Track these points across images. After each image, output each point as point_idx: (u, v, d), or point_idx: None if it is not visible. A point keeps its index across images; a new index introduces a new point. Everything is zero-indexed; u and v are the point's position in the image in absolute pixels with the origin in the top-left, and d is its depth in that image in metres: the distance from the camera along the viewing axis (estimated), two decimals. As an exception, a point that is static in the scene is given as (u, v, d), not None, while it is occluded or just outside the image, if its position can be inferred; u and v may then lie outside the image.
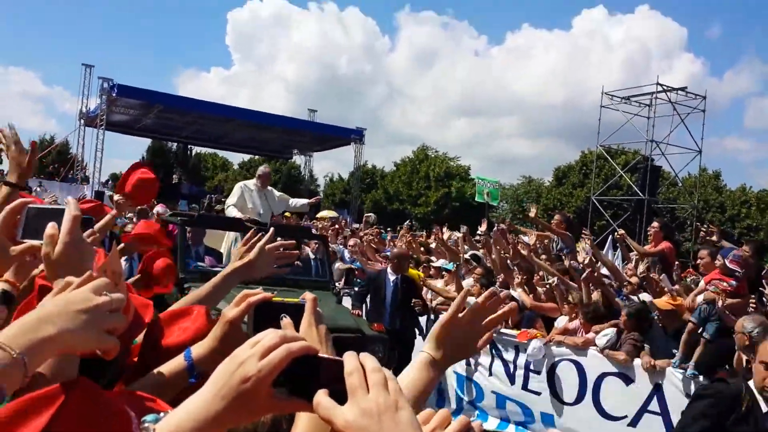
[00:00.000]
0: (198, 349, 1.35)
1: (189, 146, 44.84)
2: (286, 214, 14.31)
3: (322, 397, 0.80)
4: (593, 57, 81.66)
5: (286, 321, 1.12)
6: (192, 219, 7.47)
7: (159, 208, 10.33)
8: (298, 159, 42.13)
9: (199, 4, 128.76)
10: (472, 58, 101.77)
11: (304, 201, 9.49)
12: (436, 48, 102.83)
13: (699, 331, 5.48)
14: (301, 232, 9.87)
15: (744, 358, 4.91)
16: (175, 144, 44.54)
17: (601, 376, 6.05)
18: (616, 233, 5.61)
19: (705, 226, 7.38)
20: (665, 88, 27.78)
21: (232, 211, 8.28)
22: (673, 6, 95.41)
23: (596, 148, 32.20)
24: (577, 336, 6.36)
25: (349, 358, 0.83)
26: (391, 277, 7.58)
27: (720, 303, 5.29)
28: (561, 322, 6.68)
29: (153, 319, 1.45)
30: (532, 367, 6.63)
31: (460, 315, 1.36)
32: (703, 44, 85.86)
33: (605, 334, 6.06)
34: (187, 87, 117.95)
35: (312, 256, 8.99)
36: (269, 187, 8.96)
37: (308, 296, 1.23)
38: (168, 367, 1.33)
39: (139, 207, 11.47)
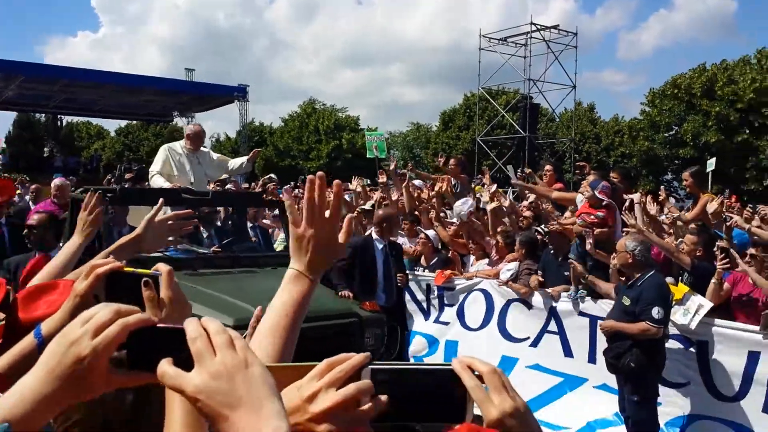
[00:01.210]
0: (49, 325, 1.28)
1: (59, 116, 41.89)
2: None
3: (166, 366, 0.76)
4: (472, 0, 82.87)
5: (148, 293, 1.08)
6: (114, 194, 6.24)
7: (57, 181, 8.54)
8: (180, 121, 40.42)
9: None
10: (355, 5, 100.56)
11: (243, 159, 7.76)
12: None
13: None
14: (251, 200, 8.17)
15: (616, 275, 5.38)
16: (44, 115, 41.52)
17: (507, 303, 6.41)
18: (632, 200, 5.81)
19: (580, 163, 7.85)
20: (539, 27, 28.70)
21: (157, 180, 6.98)
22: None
23: (478, 91, 33.00)
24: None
25: (190, 324, 0.79)
26: (379, 245, 6.43)
27: (589, 241, 5.67)
28: (471, 262, 7.04)
29: (9, 297, 1.40)
30: (445, 300, 6.93)
31: (300, 218, 1.28)
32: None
33: (509, 268, 6.39)
34: (54, 55, 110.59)
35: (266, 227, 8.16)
36: (203, 148, 7.58)
37: (163, 267, 1.17)
38: (19, 347, 1.26)
39: (35, 185, 10.68)
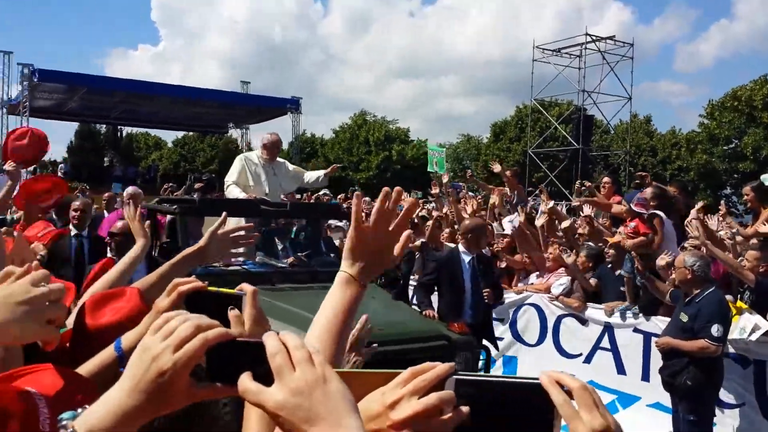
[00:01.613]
0: (129, 339, 1.31)
1: (119, 127, 43.33)
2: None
3: (247, 382, 0.78)
4: (525, 12, 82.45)
5: (233, 313, 1.10)
6: (192, 206, 5.95)
7: (130, 190, 8.26)
8: (235, 133, 41.25)
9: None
10: (408, 19, 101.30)
11: (320, 173, 7.44)
12: (370, 11, 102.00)
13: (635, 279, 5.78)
14: (325, 211, 7.79)
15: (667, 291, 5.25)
16: (104, 126, 43.00)
17: (559, 318, 6.34)
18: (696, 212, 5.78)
19: (640, 173, 7.70)
20: (594, 38, 28.30)
21: (233, 191, 6.75)
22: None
23: (531, 102, 32.67)
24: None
25: (270, 339, 0.80)
26: (466, 258, 5.83)
27: (628, 245, 5.59)
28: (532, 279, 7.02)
29: (80, 303, 1.43)
30: (494, 315, 6.89)
31: (365, 224, 1.30)
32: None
33: (561, 283, 6.33)
34: (114, 67, 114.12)
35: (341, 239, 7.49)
36: (279, 159, 7.24)
37: (247, 287, 1.19)
38: (99, 359, 1.29)
39: (108, 194, 10.88)
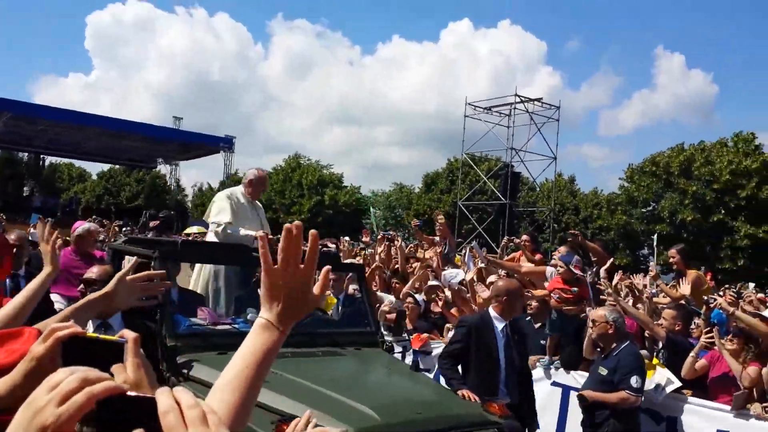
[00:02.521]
0: (0, 385, 1.22)
1: (42, 156, 41.76)
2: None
3: None
4: (461, 69, 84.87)
5: (117, 367, 1.04)
6: (173, 249, 4.94)
7: (85, 226, 6.58)
8: (164, 168, 40.44)
9: (55, 6, 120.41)
10: (347, 67, 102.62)
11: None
12: (311, 56, 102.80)
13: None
14: (326, 260, 6.32)
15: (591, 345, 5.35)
16: (26, 154, 41.35)
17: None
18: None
19: (572, 232, 7.87)
20: (523, 99, 29.49)
21: (236, 234, 5.68)
22: (533, 22, 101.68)
23: (461, 156, 33.53)
24: None
25: (162, 396, 0.77)
26: (499, 325, 4.93)
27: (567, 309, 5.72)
28: None
29: None
30: (421, 365, 6.72)
31: (274, 266, 1.25)
32: (562, 58, 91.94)
33: None
34: (44, 94, 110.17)
35: (345, 295, 6.60)
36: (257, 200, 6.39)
37: (128, 334, 1.13)
38: None
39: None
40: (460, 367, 4.91)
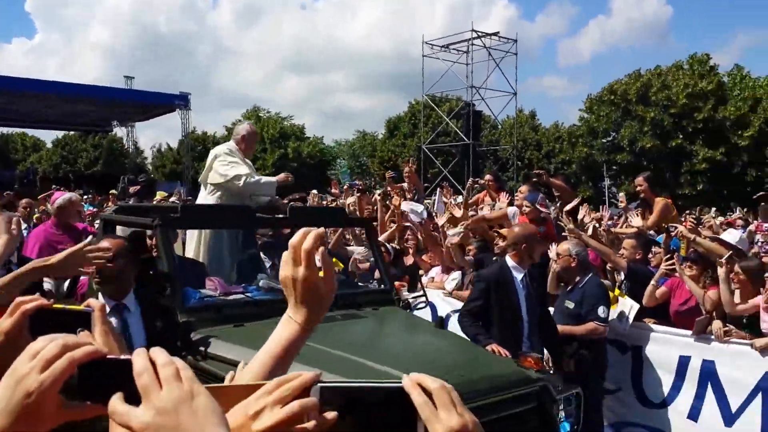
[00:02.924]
0: None
1: (-9, 127, 40.39)
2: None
3: (116, 403, 0.77)
4: (416, 6, 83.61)
5: (83, 334, 1.06)
6: (175, 215, 4.35)
7: (67, 197, 6.06)
8: (120, 131, 39.43)
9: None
10: (299, 11, 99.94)
11: (272, 179, 5.93)
12: (261, 2, 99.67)
13: None
14: (333, 217, 5.82)
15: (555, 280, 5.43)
16: (-26, 126, 39.97)
17: (449, 315, 6.39)
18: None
19: (537, 171, 7.74)
20: (479, 34, 29.20)
21: (251, 184, 5.40)
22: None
23: (422, 98, 33.29)
24: None
25: (138, 357, 0.79)
26: (518, 275, 4.69)
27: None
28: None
29: None
30: None
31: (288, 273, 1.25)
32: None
33: (453, 278, 6.28)
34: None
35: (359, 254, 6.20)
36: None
37: (94, 303, 1.15)
38: None
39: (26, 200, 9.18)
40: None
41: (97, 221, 5.66)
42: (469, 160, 27.67)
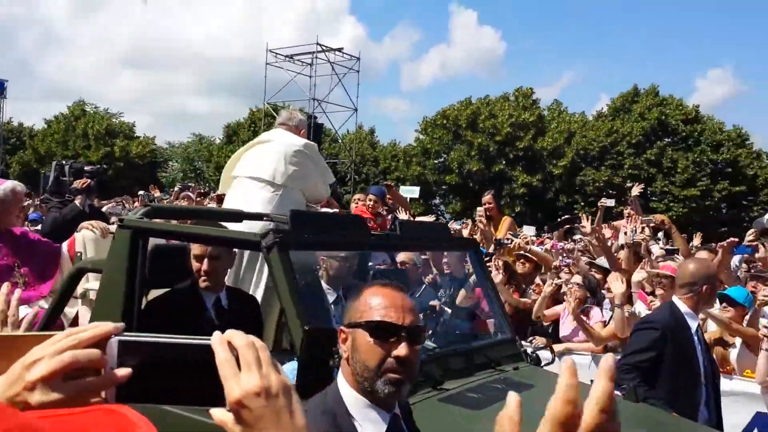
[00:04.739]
0: None
1: None
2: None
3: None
4: (267, 14, 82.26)
5: None
6: (288, 231, 2.72)
7: (13, 184, 4.02)
8: None
9: None
10: (142, 5, 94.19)
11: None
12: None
13: None
14: (439, 235, 4.09)
15: None
16: None
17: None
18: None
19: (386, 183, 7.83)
20: (324, 48, 29.53)
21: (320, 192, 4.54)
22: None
23: (264, 106, 32.97)
24: None
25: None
26: (693, 324, 3.70)
27: None
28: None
29: None
30: None
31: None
32: (366, 9, 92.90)
33: None
34: None
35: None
36: None
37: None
38: None
39: None
40: None
41: (111, 228, 3.73)
42: (308, 171, 27.75)
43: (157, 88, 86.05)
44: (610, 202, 7.08)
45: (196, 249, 3.05)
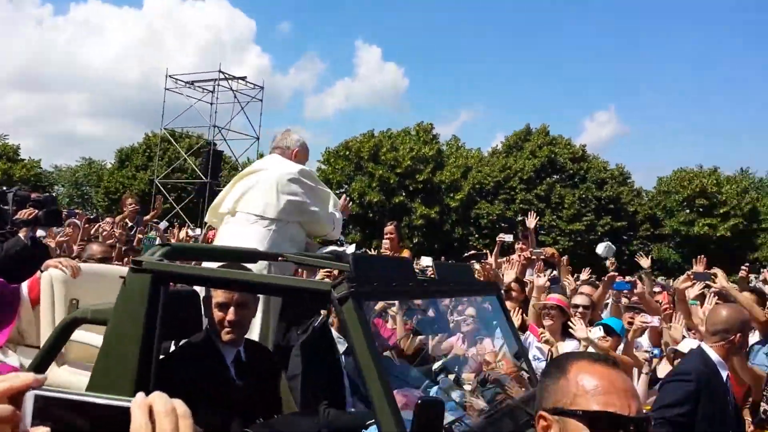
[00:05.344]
0: None
1: None
2: None
3: None
4: (167, 40, 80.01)
5: None
6: (357, 278, 2.20)
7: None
8: None
9: None
10: (35, 27, 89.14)
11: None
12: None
13: None
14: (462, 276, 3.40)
15: None
16: None
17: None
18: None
19: None
20: (227, 76, 29.21)
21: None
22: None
23: (160, 131, 32.09)
24: None
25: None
26: (723, 373, 3.43)
27: None
28: None
29: None
30: None
31: None
32: (271, 40, 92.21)
33: None
34: None
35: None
36: None
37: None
38: None
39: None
40: None
41: (83, 266, 3.55)
42: (206, 198, 27.14)
43: (47, 110, 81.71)
44: (509, 238, 7.42)
45: (219, 296, 2.63)
